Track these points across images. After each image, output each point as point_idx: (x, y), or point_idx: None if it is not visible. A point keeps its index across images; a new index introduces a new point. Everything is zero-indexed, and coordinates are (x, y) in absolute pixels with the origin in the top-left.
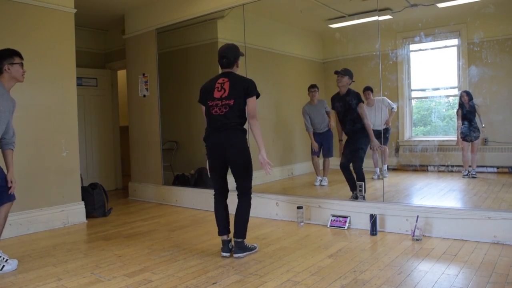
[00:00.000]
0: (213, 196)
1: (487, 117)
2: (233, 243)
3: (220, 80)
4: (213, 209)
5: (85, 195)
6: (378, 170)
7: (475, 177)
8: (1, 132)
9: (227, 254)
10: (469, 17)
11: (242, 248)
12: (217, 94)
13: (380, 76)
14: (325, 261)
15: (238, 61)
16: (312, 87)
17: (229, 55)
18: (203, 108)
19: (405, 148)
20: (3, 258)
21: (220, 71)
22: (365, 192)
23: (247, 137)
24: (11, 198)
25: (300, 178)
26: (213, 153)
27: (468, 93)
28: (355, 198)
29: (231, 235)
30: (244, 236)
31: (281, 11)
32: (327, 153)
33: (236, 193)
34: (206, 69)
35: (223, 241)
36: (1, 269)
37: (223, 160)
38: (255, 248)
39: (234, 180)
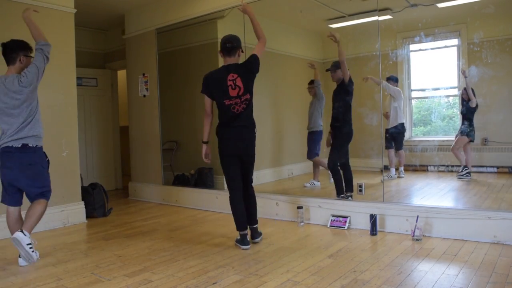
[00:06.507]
0: (232, 193)
1: (487, 117)
2: (249, 235)
3: (230, 77)
4: (213, 209)
5: (85, 195)
6: (393, 170)
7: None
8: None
9: (249, 247)
10: (469, 17)
11: (258, 232)
12: (233, 93)
13: (380, 76)
14: (325, 261)
15: (240, 50)
16: (308, 83)
17: (233, 41)
18: (208, 100)
19: (405, 148)
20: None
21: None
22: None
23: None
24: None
25: (300, 178)
26: (233, 149)
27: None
28: (348, 196)
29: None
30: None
31: (281, 11)
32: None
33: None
34: (206, 69)
35: (244, 235)
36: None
37: (241, 155)
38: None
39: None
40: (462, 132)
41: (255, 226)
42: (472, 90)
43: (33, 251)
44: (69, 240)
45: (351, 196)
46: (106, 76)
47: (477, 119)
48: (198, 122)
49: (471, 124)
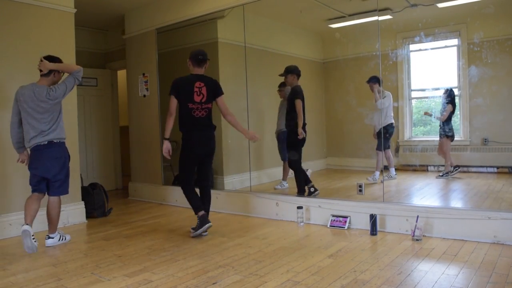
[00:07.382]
0: (188, 186)
1: (487, 117)
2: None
3: (198, 84)
4: (213, 209)
5: (85, 195)
6: (393, 170)
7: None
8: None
9: (211, 224)
10: (469, 17)
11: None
12: (197, 99)
13: (380, 76)
14: (325, 261)
15: (207, 63)
16: (279, 86)
17: (204, 55)
18: (174, 101)
19: (405, 148)
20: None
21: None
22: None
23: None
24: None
25: None
26: (197, 149)
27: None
28: (309, 194)
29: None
30: None
31: (281, 11)
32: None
33: (200, 183)
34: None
35: (204, 215)
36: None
37: (202, 155)
38: None
39: (200, 172)
40: (442, 134)
41: (207, 213)
42: (452, 94)
43: (64, 239)
44: (69, 240)
45: (313, 187)
46: (106, 76)
47: (476, 119)
48: None
49: (447, 124)
